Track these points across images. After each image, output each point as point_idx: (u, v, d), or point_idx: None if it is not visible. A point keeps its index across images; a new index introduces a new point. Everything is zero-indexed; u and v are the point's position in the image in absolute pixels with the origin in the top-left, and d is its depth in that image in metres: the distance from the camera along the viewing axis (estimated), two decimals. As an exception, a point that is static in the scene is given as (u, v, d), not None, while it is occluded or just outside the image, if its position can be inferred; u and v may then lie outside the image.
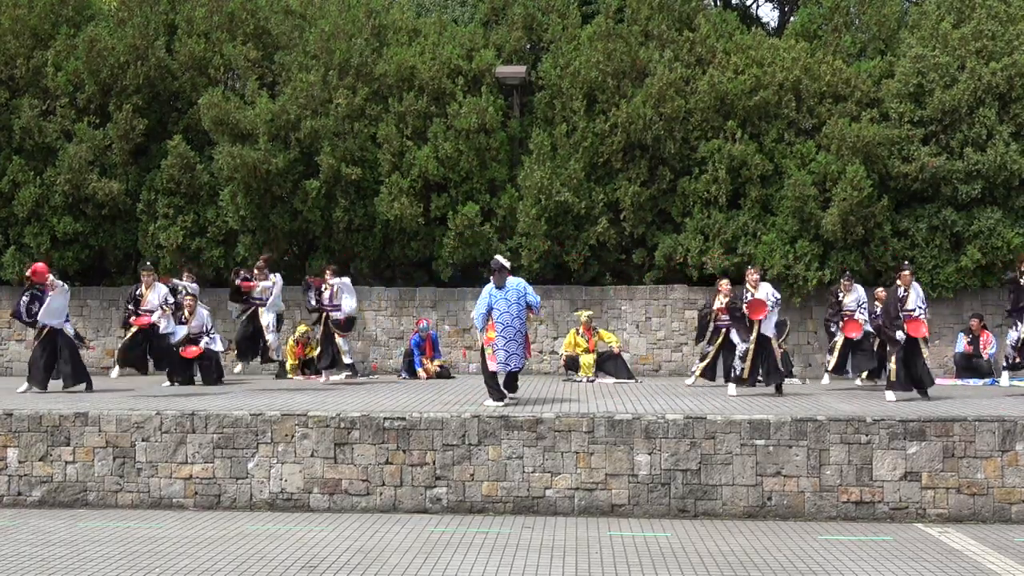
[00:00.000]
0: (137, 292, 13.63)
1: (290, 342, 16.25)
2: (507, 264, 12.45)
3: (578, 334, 15.65)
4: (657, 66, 16.76)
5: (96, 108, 17.29)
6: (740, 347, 13.16)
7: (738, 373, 13.11)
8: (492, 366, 11.95)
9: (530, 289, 12.37)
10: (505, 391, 12.08)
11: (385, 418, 10.94)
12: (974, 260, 15.80)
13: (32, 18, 17.39)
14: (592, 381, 15.09)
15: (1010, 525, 10.36)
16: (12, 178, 17.01)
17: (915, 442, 10.57)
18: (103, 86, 17.09)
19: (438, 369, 15.99)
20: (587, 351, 15.48)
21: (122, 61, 16.92)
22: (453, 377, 16.13)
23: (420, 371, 15.89)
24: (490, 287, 12.14)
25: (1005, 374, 13.71)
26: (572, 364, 15.57)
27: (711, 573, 8.38)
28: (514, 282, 12.21)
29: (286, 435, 10.99)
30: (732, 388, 13.18)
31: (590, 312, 15.92)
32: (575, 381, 15.20)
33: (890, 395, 12.46)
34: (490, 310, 12.00)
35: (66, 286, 14.08)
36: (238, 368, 15.19)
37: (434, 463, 10.85)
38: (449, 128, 16.93)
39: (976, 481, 10.53)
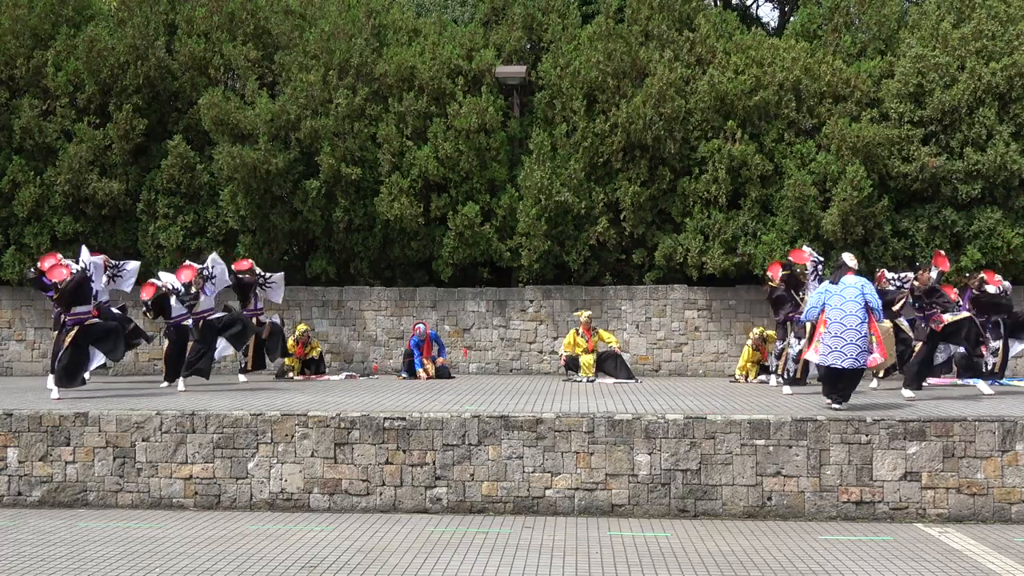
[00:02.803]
0: None
1: (290, 341, 16.23)
2: (851, 263, 12.00)
3: (578, 334, 15.64)
4: (657, 66, 16.75)
5: (96, 108, 17.30)
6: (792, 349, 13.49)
7: (792, 374, 13.49)
8: (810, 356, 11.92)
9: (869, 289, 11.72)
10: (834, 392, 11.54)
11: (385, 418, 10.94)
12: (974, 260, 15.79)
13: (32, 18, 17.39)
14: (592, 381, 15.09)
15: (1010, 525, 10.36)
16: (12, 178, 17.01)
17: (915, 442, 10.57)
18: (103, 86, 17.09)
19: (438, 368, 15.99)
20: (587, 351, 15.49)
21: (122, 61, 16.93)
22: (453, 377, 16.13)
23: (420, 371, 15.90)
24: (826, 284, 11.95)
25: (981, 383, 13.28)
26: (572, 364, 15.57)
27: (711, 573, 8.38)
28: (853, 280, 11.79)
29: (286, 435, 10.99)
30: (787, 388, 13.42)
31: (590, 312, 15.91)
32: (575, 381, 15.19)
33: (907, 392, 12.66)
34: (823, 307, 11.71)
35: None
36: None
37: (434, 463, 10.85)
38: (449, 128, 16.94)
39: (976, 481, 10.53)
